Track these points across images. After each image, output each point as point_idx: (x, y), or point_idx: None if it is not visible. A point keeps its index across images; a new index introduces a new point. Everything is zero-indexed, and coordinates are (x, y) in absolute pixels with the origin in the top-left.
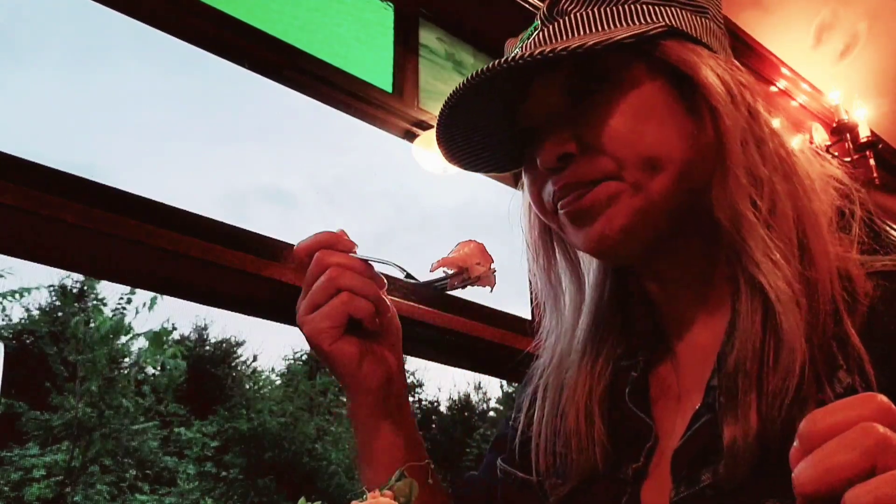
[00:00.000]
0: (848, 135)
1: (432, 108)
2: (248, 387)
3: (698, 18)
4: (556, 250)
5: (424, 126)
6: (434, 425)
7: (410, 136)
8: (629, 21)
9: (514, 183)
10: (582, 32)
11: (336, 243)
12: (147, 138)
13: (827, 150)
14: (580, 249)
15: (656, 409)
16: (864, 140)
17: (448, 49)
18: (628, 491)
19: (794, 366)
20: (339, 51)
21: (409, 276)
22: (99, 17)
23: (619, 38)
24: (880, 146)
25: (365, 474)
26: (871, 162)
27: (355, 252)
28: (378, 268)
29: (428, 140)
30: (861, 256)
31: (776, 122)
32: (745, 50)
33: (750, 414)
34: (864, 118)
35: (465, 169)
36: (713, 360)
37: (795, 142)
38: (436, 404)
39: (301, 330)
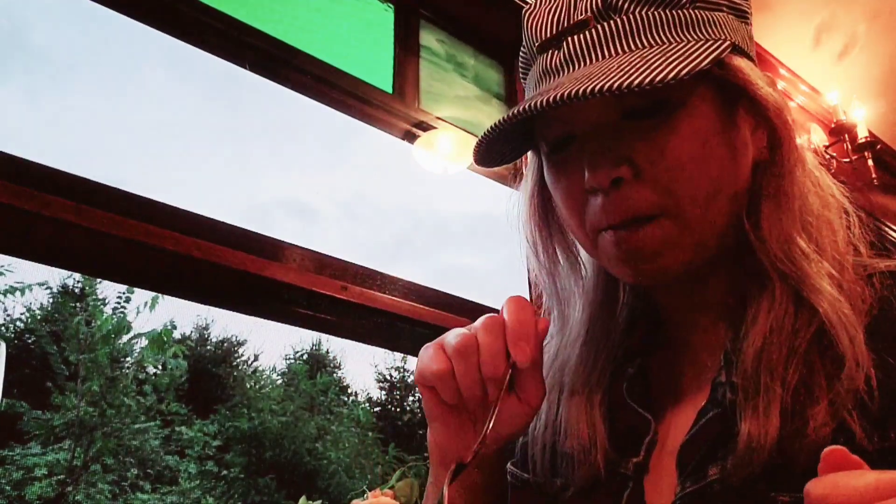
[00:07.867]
0: (846, 135)
1: (433, 109)
2: (249, 386)
3: (743, 26)
4: (557, 249)
5: (425, 127)
6: None
7: (411, 137)
8: (692, 32)
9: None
10: (642, 41)
11: None
12: (177, 154)
13: (826, 151)
14: (616, 275)
15: (655, 406)
16: (863, 141)
17: (449, 50)
18: (630, 485)
19: (854, 374)
20: (339, 51)
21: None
22: (113, 28)
23: (703, 65)
24: (879, 147)
25: None
26: (870, 163)
27: None
28: None
29: (428, 141)
30: (865, 259)
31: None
32: None
33: (771, 410)
34: (863, 119)
35: (482, 164)
36: (717, 360)
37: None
38: None
39: None
